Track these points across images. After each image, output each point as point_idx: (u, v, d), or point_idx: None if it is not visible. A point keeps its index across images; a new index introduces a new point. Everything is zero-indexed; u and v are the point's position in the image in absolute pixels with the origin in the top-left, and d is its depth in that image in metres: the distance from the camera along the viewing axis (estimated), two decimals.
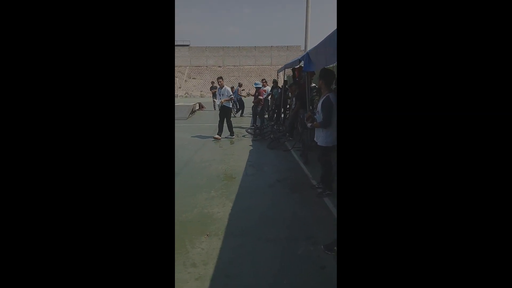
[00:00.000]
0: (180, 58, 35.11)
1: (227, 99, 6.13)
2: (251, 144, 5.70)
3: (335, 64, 5.09)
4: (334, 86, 3.05)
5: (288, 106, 7.28)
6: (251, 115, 8.40)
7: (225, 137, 6.26)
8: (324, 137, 2.79)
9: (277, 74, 9.14)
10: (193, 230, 2.35)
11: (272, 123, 7.36)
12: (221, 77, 6.40)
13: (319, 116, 2.80)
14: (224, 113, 6.23)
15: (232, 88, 12.40)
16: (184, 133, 6.85)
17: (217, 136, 6.14)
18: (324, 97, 2.76)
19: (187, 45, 36.38)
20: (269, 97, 8.93)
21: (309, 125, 2.97)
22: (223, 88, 6.23)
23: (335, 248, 2.20)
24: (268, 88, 9.03)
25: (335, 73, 2.86)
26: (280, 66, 13.30)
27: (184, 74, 33.79)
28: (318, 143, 2.90)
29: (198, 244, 2.14)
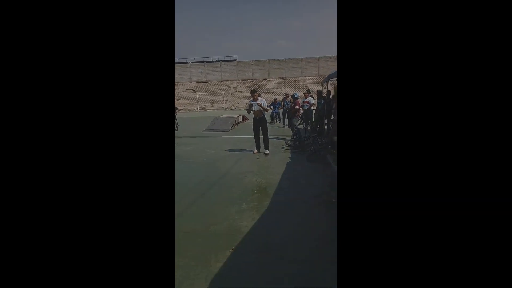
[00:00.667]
0: (227, 72, 36.77)
1: (262, 107, 5.64)
2: (290, 156, 5.58)
3: None
4: None
5: (332, 117, 7.01)
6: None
7: (260, 152, 5.90)
8: None
9: (321, 85, 8.93)
10: (219, 244, 2.33)
11: (315, 134, 7.14)
12: (254, 90, 5.94)
13: None
14: (258, 126, 5.75)
15: (275, 100, 12.48)
16: (225, 145, 7.04)
17: (255, 151, 5.88)
18: None
19: (234, 60, 37.96)
20: (312, 107, 8.74)
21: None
22: (258, 100, 5.76)
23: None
24: (311, 99, 8.85)
25: None
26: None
27: (230, 87, 35.18)
28: None
29: (222, 258, 2.11)
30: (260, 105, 5.60)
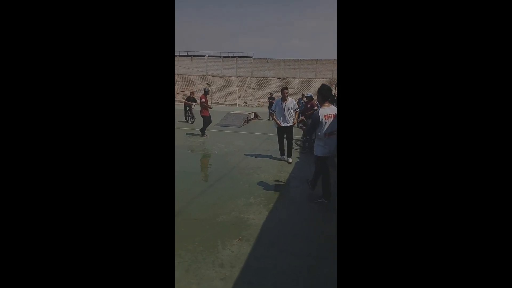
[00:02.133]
0: (243, 68, 36.85)
1: (299, 119, 4.79)
2: (298, 156, 5.66)
3: None
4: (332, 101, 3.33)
5: None
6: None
7: (278, 158, 5.25)
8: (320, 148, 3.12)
9: (335, 89, 8.88)
10: (227, 232, 2.45)
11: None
12: (286, 87, 4.94)
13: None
14: (284, 131, 5.01)
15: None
16: (237, 140, 7.16)
17: (287, 159, 5.08)
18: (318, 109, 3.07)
19: (250, 57, 38.01)
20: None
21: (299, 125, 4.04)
22: (289, 101, 4.80)
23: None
24: None
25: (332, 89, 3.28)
26: None
27: (244, 84, 35.25)
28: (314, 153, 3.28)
29: (229, 246, 2.23)
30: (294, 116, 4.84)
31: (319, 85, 3.30)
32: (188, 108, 11.01)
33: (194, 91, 11.80)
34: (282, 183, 3.89)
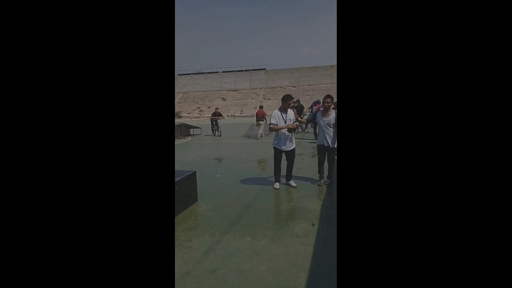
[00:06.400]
0: (257, 80, 37.83)
1: (288, 125, 3.68)
2: None
3: None
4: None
5: None
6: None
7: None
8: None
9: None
10: (294, 216, 2.99)
11: None
12: (288, 96, 3.79)
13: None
14: (282, 154, 3.92)
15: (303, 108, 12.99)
16: (268, 147, 7.74)
17: (276, 186, 3.96)
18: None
19: (264, 69, 39.00)
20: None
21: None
22: (288, 113, 3.78)
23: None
24: None
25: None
26: None
27: (259, 95, 36.09)
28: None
29: (298, 225, 2.75)
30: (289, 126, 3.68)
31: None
32: (214, 122, 11.84)
33: (218, 108, 12.71)
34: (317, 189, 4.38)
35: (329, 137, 3.80)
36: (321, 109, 3.86)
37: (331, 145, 3.82)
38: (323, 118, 3.81)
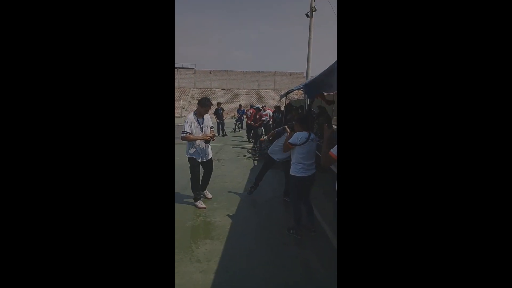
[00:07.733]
0: (186, 80, 36.31)
1: (205, 136, 3.23)
2: (255, 164, 6.09)
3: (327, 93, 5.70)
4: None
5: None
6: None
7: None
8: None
9: (280, 100, 9.70)
10: (197, 234, 2.69)
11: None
12: (206, 99, 3.31)
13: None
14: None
15: (240, 106, 13.15)
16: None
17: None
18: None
19: (193, 68, 37.76)
20: (271, 121, 9.45)
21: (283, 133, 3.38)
22: (205, 118, 3.34)
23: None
24: (269, 112, 9.58)
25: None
26: (282, 91, 14.04)
27: (188, 95, 34.77)
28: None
29: (202, 245, 2.48)
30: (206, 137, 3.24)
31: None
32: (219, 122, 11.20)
33: (221, 102, 12.04)
34: (241, 188, 4.23)
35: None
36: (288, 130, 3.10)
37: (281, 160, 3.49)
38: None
